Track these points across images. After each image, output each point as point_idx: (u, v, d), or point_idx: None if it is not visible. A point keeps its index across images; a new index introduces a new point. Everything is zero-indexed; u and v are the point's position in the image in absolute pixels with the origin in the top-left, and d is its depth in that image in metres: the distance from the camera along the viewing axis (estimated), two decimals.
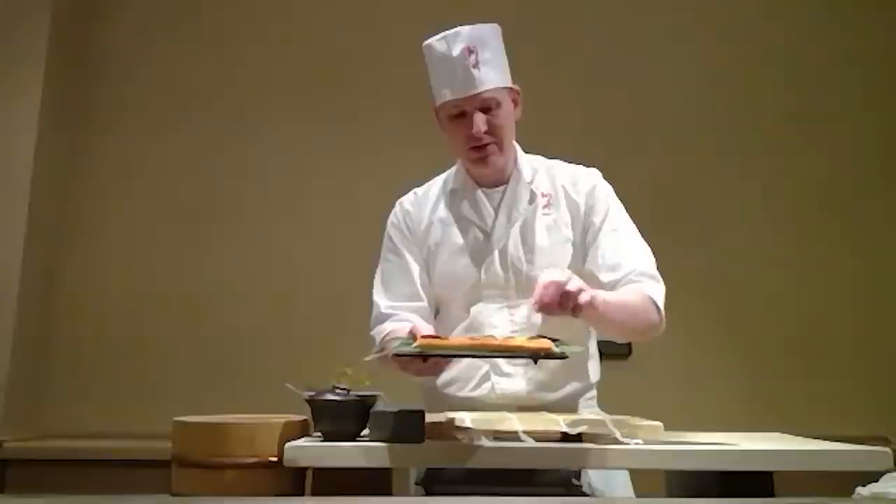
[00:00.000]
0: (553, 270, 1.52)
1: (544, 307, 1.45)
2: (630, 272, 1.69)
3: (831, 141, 3.50)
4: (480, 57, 1.72)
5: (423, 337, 1.41)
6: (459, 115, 1.74)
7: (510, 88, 1.78)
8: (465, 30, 1.74)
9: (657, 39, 3.58)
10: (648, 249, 1.77)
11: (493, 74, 1.74)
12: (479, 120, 1.72)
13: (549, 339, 1.43)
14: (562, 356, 1.40)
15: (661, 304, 1.68)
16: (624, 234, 1.77)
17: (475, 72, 1.71)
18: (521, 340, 1.41)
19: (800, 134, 3.50)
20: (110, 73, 3.58)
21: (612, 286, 1.69)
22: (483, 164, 1.77)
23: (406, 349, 1.41)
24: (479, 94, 1.71)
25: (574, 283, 1.47)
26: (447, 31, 1.75)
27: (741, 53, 3.58)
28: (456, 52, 1.71)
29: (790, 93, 3.53)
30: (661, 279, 1.72)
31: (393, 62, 3.49)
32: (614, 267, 1.71)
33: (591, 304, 1.49)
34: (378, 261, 1.90)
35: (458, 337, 1.43)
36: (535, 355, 1.38)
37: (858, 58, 3.55)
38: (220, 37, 3.61)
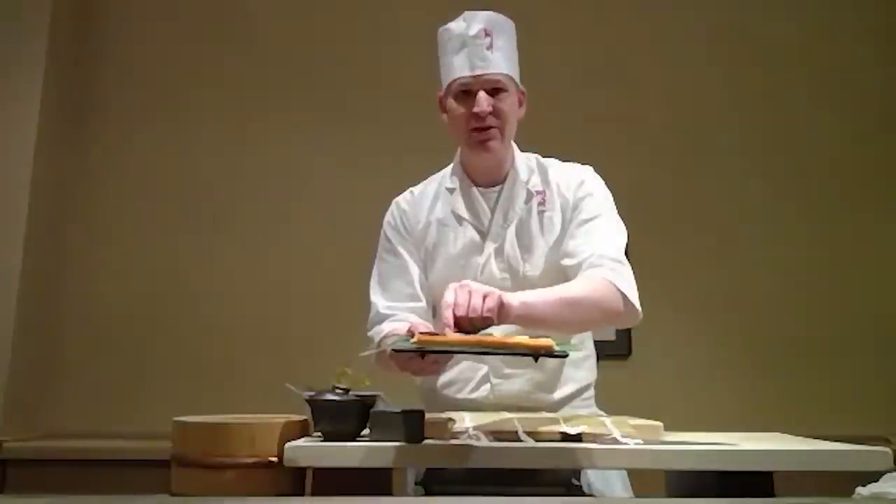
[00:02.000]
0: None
1: (455, 307, 1.40)
2: (590, 255, 1.65)
3: (832, 141, 3.50)
4: (495, 42, 1.73)
5: (422, 333, 1.39)
6: (466, 93, 1.74)
7: (518, 86, 1.78)
8: (483, 13, 1.75)
9: (657, 39, 3.58)
10: (619, 236, 1.73)
11: (505, 62, 1.74)
12: (485, 99, 1.72)
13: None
14: (562, 355, 1.38)
15: (623, 285, 1.60)
16: (594, 223, 1.73)
17: (488, 53, 1.72)
18: (521, 338, 1.40)
19: (802, 134, 3.50)
20: (110, 74, 3.58)
21: (575, 271, 1.66)
22: (483, 149, 1.75)
23: (404, 345, 1.39)
24: (489, 74, 1.72)
25: (470, 281, 1.45)
26: (465, 12, 1.76)
27: (742, 53, 3.58)
28: (473, 31, 1.72)
29: (795, 92, 3.53)
30: (625, 262, 1.65)
31: (393, 62, 3.50)
32: (575, 253, 1.69)
33: (508, 304, 1.44)
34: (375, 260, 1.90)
35: (457, 334, 1.40)
36: (536, 353, 1.36)
37: (860, 57, 3.55)
38: (220, 37, 3.61)
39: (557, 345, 1.37)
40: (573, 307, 1.56)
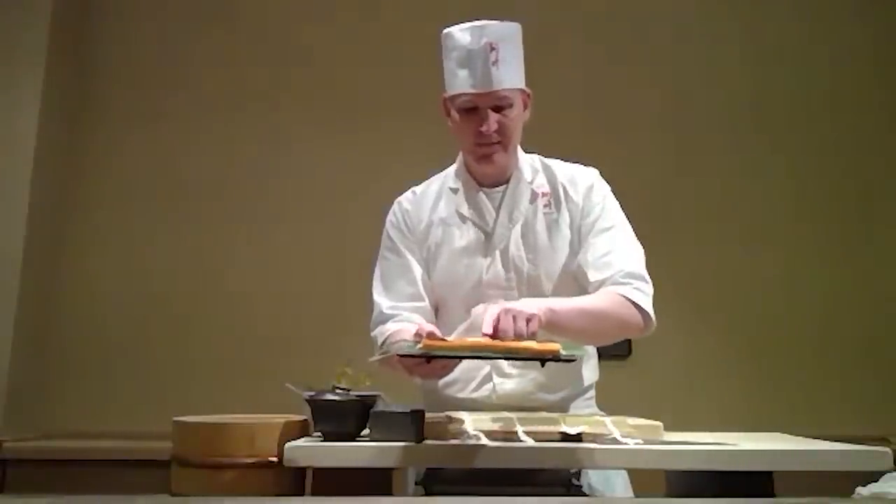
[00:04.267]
0: (486, 305, 1.50)
1: (500, 332, 1.43)
2: (616, 272, 1.68)
3: (833, 142, 3.50)
4: (501, 55, 1.71)
5: (429, 337, 1.39)
6: (472, 109, 1.73)
7: (523, 90, 1.78)
8: (490, 25, 1.73)
9: (658, 39, 3.59)
10: (639, 249, 1.76)
11: (511, 74, 1.73)
12: (492, 119, 1.72)
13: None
14: (570, 359, 1.39)
15: (644, 304, 1.66)
16: (614, 234, 1.76)
17: (494, 69, 1.70)
18: (528, 343, 1.40)
19: (802, 134, 3.50)
20: (110, 73, 3.59)
21: (598, 285, 1.69)
22: (487, 163, 1.77)
23: (411, 350, 1.39)
24: (495, 91, 1.71)
25: (513, 304, 1.49)
26: (472, 23, 1.74)
27: (743, 52, 3.58)
28: (479, 45, 1.70)
29: (795, 93, 3.53)
30: (648, 279, 1.70)
31: (394, 63, 3.50)
32: (601, 266, 1.71)
33: (540, 317, 1.48)
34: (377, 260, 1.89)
35: (464, 337, 1.42)
36: (543, 358, 1.38)
37: (862, 58, 3.55)
38: (221, 37, 3.61)
39: (564, 348, 1.38)
40: (595, 319, 1.63)
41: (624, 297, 1.65)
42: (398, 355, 1.43)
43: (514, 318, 1.43)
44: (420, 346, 1.37)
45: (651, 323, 1.68)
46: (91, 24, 3.59)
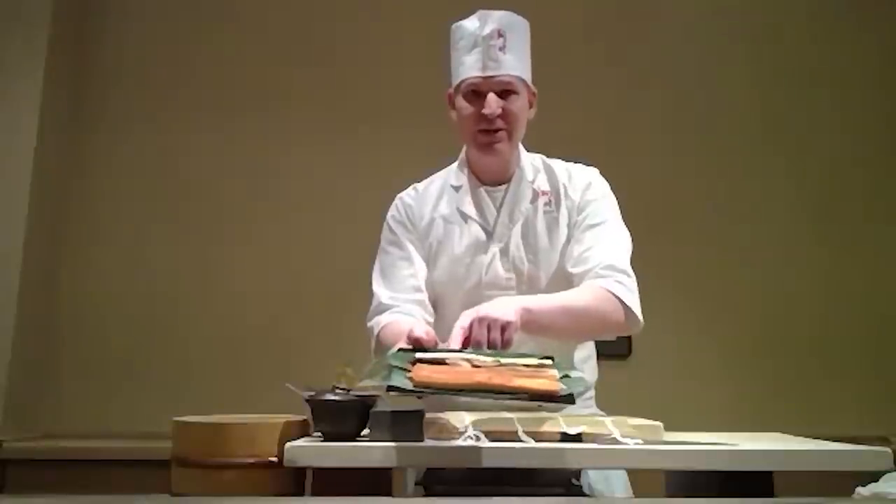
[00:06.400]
0: (465, 313, 1.48)
1: (472, 343, 1.42)
2: (596, 265, 1.67)
3: (832, 142, 3.50)
4: (508, 42, 1.71)
5: (414, 343, 1.40)
6: (476, 92, 1.73)
7: (528, 88, 1.78)
8: (498, 13, 1.74)
9: (658, 40, 3.59)
10: (625, 245, 1.74)
11: (518, 63, 1.73)
12: (494, 101, 1.71)
13: (551, 358, 1.41)
14: (568, 401, 1.35)
15: (626, 297, 1.63)
16: (601, 230, 1.74)
17: (501, 54, 1.71)
18: (525, 369, 1.38)
19: (802, 134, 3.50)
20: (110, 74, 3.59)
21: (579, 279, 1.68)
22: (489, 151, 1.76)
23: (401, 384, 1.35)
24: (500, 76, 1.71)
25: (488, 310, 1.46)
26: (480, 11, 1.75)
27: (744, 52, 3.58)
28: (487, 31, 1.71)
29: (796, 93, 3.53)
30: (631, 273, 1.68)
31: (393, 63, 3.50)
32: (582, 260, 1.70)
33: (516, 324, 1.46)
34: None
35: (457, 359, 1.40)
36: (540, 399, 1.34)
37: (861, 58, 3.55)
38: (221, 37, 3.61)
39: (562, 376, 1.36)
40: (575, 316, 1.60)
41: (606, 290, 1.63)
42: (387, 388, 1.36)
43: (489, 326, 1.42)
44: (410, 375, 1.36)
45: (635, 318, 1.65)
46: (91, 24, 3.59)
